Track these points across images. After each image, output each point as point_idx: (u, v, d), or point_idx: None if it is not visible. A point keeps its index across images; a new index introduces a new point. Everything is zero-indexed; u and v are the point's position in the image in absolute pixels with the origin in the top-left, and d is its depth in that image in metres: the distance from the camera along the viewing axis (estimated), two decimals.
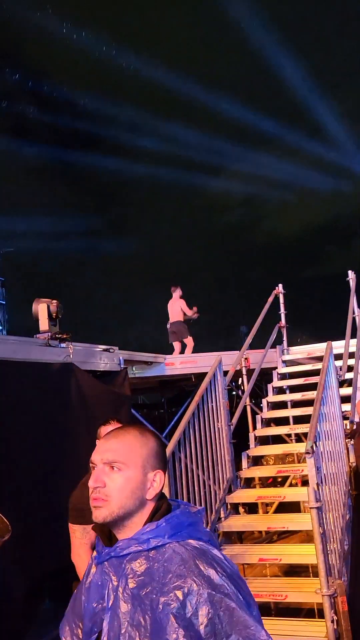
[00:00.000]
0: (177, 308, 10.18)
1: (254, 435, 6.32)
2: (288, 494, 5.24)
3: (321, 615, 3.55)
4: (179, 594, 1.10)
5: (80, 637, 1.33)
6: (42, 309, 6.19)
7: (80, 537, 2.95)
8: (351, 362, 6.69)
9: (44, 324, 6.14)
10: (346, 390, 6.24)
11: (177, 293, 10.27)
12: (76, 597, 1.40)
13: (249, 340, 7.09)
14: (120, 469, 1.25)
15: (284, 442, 8.04)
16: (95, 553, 1.34)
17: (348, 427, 5.52)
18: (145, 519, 1.26)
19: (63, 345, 6.05)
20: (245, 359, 6.93)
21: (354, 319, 7.56)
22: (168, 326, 10.32)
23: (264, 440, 6.63)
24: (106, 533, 1.29)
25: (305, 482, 7.25)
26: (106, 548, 1.27)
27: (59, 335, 6.05)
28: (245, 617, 1.10)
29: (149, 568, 1.18)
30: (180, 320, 10.16)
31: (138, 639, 1.12)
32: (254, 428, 6.47)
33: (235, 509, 5.22)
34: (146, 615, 1.13)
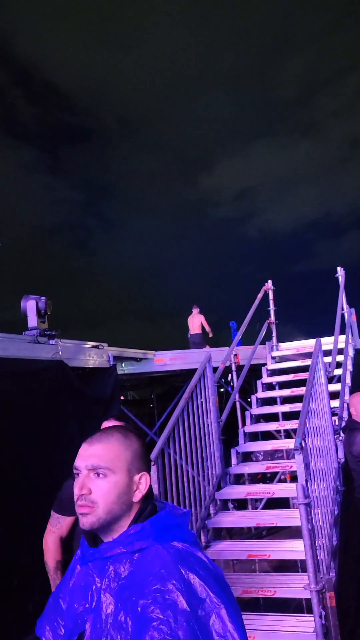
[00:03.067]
0: (197, 322, 12.12)
1: (244, 431, 6.33)
2: (277, 490, 5.26)
3: (309, 610, 3.57)
4: (158, 597, 1.08)
5: (62, 636, 1.32)
6: (30, 306, 6.16)
7: (53, 525, 3.02)
8: (340, 358, 6.72)
9: (32, 320, 6.11)
10: (335, 387, 6.26)
11: (196, 310, 12.31)
12: (57, 596, 1.37)
13: (238, 336, 7.10)
14: (105, 475, 1.23)
15: (274, 438, 8.07)
16: (79, 553, 1.33)
17: (337, 423, 5.54)
18: (131, 521, 1.24)
19: (52, 342, 6.03)
20: (235, 355, 6.94)
21: (342, 315, 7.59)
22: (189, 336, 12.20)
23: (253, 437, 6.64)
24: (91, 534, 1.28)
25: (294, 478, 7.29)
26: (91, 549, 1.26)
27: (48, 332, 6.02)
28: (215, 628, 1.07)
29: (131, 571, 1.17)
30: (200, 332, 12.06)
31: (119, 638, 1.11)
32: (244, 424, 6.48)
33: (224, 505, 5.23)
34: (127, 617, 1.11)
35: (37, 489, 5.00)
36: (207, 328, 12.12)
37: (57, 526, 2.98)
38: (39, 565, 4.94)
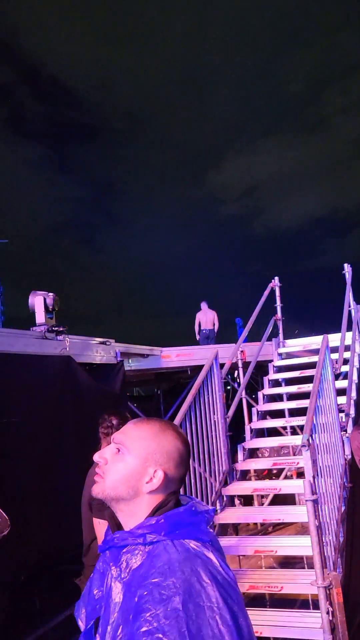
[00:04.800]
0: (210, 317, 12.16)
1: (250, 427, 6.33)
2: (283, 486, 5.26)
3: (316, 606, 3.57)
4: (155, 591, 1.08)
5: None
6: (38, 302, 6.17)
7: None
8: (347, 355, 6.71)
9: (40, 316, 6.12)
10: (342, 383, 6.26)
11: (206, 305, 12.31)
12: (91, 581, 1.40)
13: (245, 333, 7.09)
14: (123, 453, 1.27)
15: (280, 434, 8.08)
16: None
17: (343, 419, 5.54)
18: (148, 512, 1.25)
19: (60, 338, 6.04)
20: (242, 351, 6.94)
21: (349, 312, 7.57)
22: (203, 331, 12.14)
23: (259, 433, 6.65)
24: (115, 521, 1.30)
25: (300, 474, 7.30)
26: (108, 537, 1.28)
27: (56, 328, 6.03)
28: (207, 632, 1.04)
29: (141, 563, 1.17)
30: (212, 328, 12.12)
31: (122, 627, 1.12)
32: (250, 420, 6.48)
33: (231, 501, 5.24)
34: (130, 606, 1.12)
35: (45, 485, 5.02)
36: (217, 323, 12.19)
37: None
38: (45, 562, 4.99)
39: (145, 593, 1.08)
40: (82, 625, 1.39)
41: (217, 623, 1.04)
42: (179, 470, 1.30)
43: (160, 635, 1.01)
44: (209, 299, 12.56)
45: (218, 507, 5.01)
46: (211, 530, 1.25)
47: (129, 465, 1.26)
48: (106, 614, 1.19)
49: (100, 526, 2.99)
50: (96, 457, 1.28)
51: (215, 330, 12.24)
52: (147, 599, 1.07)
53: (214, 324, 12.23)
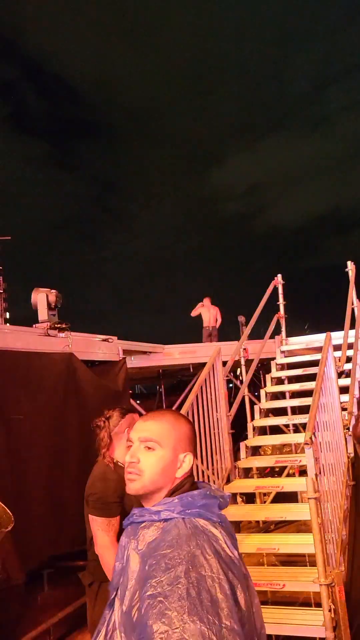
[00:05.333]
0: (213, 314, 12.13)
1: (253, 425, 6.33)
2: (286, 484, 5.26)
3: (318, 604, 3.57)
4: (162, 560, 1.19)
5: None
6: (41, 299, 6.18)
7: (107, 530, 2.94)
8: (350, 353, 6.69)
9: (43, 313, 6.13)
10: (345, 381, 6.25)
11: (208, 301, 12.32)
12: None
13: (247, 330, 7.09)
14: (154, 448, 1.39)
15: (282, 432, 8.07)
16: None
17: (346, 417, 5.53)
18: (167, 493, 1.39)
19: (62, 335, 6.05)
20: (244, 349, 6.93)
21: (353, 309, 7.56)
22: (206, 328, 12.15)
23: (262, 431, 6.64)
24: (139, 504, 1.43)
25: (302, 472, 7.29)
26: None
27: (58, 325, 6.04)
28: (199, 608, 1.09)
29: (155, 537, 1.30)
30: (215, 325, 12.13)
31: (138, 592, 1.24)
32: (252, 418, 6.48)
33: (233, 498, 5.23)
34: (143, 574, 1.23)
35: (49, 481, 5.03)
36: (220, 320, 12.21)
37: (112, 530, 2.95)
38: (50, 557, 5.01)
39: (153, 562, 1.20)
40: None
41: (215, 591, 1.13)
42: (195, 451, 1.46)
43: (162, 599, 1.11)
44: (211, 296, 12.56)
45: None
46: (223, 514, 1.36)
47: (164, 457, 1.39)
48: (124, 581, 1.32)
49: (95, 522, 2.99)
50: (128, 457, 1.40)
51: (217, 327, 12.24)
52: (155, 567, 1.18)
53: (216, 320, 12.24)
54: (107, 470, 3.10)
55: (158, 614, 1.08)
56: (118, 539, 2.95)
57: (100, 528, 2.96)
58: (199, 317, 12.38)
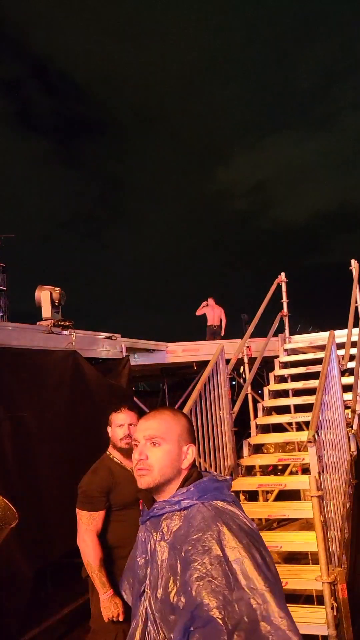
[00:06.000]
0: (217, 313, 12.28)
1: (255, 423, 6.34)
2: (289, 482, 5.27)
3: (320, 602, 3.58)
4: (197, 544, 1.32)
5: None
6: (44, 296, 6.18)
7: (87, 523, 2.97)
8: (353, 351, 6.68)
9: (46, 311, 6.14)
10: (348, 380, 6.24)
11: (213, 301, 12.42)
12: (132, 557, 1.65)
13: (251, 328, 7.08)
14: (160, 444, 1.50)
15: (285, 430, 8.07)
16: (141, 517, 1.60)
17: (349, 416, 5.53)
18: (179, 485, 1.50)
19: (66, 332, 6.06)
20: (247, 347, 6.93)
21: (356, 308, 7.55)
22: (210, 326, 12.27)
23: (265, 429, 6.65)
24: (150, 499, 1.53)
25: (305, 471, 7.29)
26: (148, 510, 1.53)
27: (62, 323, 6.05)
28: (242, 571, 1.27)
29: (180, 524, 1.42)
30: (220, 324, 12.26)
31: (172, 579, 1.37)
32: (255, 416, 6.49)
33: (236, 496, 5.24)
34: (177, 560, 1.37)
35: (53, 478, 5.04)
36: (225, 322, 12.32)
37: (92, 523, 2.98)
38: (52, 555, 5.02)
39: (190, 548, 1.33)
40: (126, 596, 1.69)
41: (250, 562, 1.28)
42: (195, 442, 1.58)
43: (210, 578, 1.26)
44: (215, 295, 12.60)
45: None
46: (232, 493, 1.50)
47: (170, 450, 1.50)
48: (154, 572, 1.44)
49: (78, 515, 3.02)
50: (137, 456, 1.51)
51: (223, 327, 12.32)
52: (193, 552, 1.32)
53: (220, 320, 12.32)
54: (99, 465, 3.14)
55: (211, 591, 1.24)
56: (99, 535, 2.99)
57: (81, 521, 3.00)
58: (203, 315, 12.44)
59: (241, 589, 1.24)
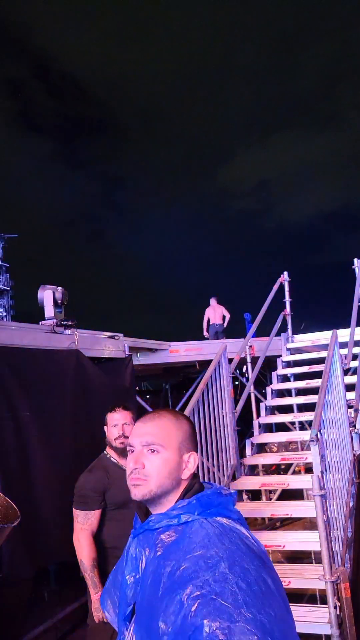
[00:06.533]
0: (219, 312, 12.39)
1: (258, 422, 6.33)
2: (292, 481, 5.26)
3: (323, 601, 3.58)
4: (200, 561, 1.14)
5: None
6: (47, 296, 6.19)
7: (82, 523, 2.99)
8: (356, 350, 6.68)
9: (49, 310, 6.14)
10: (351, 379, 6.24)
11: (215, 300, 12.53)
12: (116, 571, 1.50)
13: (253, 327, 7.08)
14: (158, 451, 1.34)
15: (288, 430, 8.07)
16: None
17: (352, 415, 5.52)
18: (179, 496, 1.33)
19: (68, 332, 6.06)
20: (250, 346, 6.92)
21: (359, 306, 7.54)
22: (213, 325, 12.39)
23: (268, 428, 6.65)
24: (143, 510, 1.37)
25: (308, 470, 7.29)
26: (142, 522, 1.36)
27: (65, 322, 6.05)
28: (255, 601, 1.07)
29: (176, 538, 1.24)
30: (222, 322, 12.37)
31: (159, 600, 1.16)
32: (258, 416, 6.48)
33: (239, 495, 5.24)
34: (164, 574, 1.18)
35: (56, 478, 5.05)
36: (228, 317, 12.39)
37: (87, 523, 2.99)
38: (54, 555, 5.02)
39: (189, 565, 1.14)
40: (108, 615, 1.51)
41: (263, 582, 1.11)
42: (197, 449, 1.41)
43: (214, 596, 1.06)
44: (217, 295, 12.68)
45: None
46: (238, 510, 1.32)
47: (169, 459, 1.34)
48: (142, 592, 1.25)
49: (74, 514, 3.03)
50: (132, 464, 1.35)
51: (225, 324, 12.40)
52: (194, 569, 1.13)
53: (223, 318, 12.40)
54: (97, 464, 3.16)
55: (214, 611, 1.04)
56: (94, 535, 3.00)
57: (77, 520, 3.01)
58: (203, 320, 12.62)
59: (255, 613, 1.05)
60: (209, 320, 12.48)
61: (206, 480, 4.56)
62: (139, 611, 1.24)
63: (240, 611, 1.03)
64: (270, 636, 1.02)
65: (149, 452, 1.34)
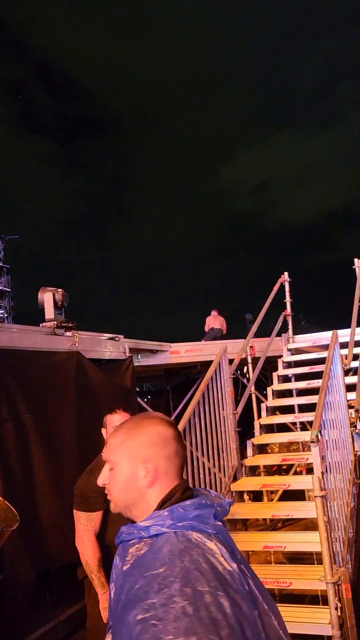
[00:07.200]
0: (219, 322, 12.52)
1: (259, 423, 6.33)
2: (293, 482, 5.26)
3: (325, 602, 3.58)
4: (154, 581, 1.09)
5: None
6: (47, 298, 6.19)
7: (85, 524, 2.98)
8: (357, 350, 6.67)
9: (49, 312, 6.14)
10: (351, 379, 6.23)
11: (216, 312, 12.70)
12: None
13: (254, 328, 7.08)
14: (112, 467, 1.31)
15: (289, 430, 8.06)
16: None
17: (353, 415, 5.52)
18: (154, 506, 1.27)
19: (69, 334, 6.06)
20: (251, 347, 6.92)
21: (359, 307, 7.53)
22: (212, 329, 12.44)
23: (269, 429, 6.64)
24: (128, 521, 1.33)
25: (309, 470, 7.28)
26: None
27: (65, 324, 6.05)
28: (198, 628, 1.00)
29: (145, 552, 1.19)
30: (221, 328, 12.38)
31: (116, 610, 1.14)
32: (259, 416, 6.48)
33: (240, 496, 5.24)
34: (125, 592, 1.14)
35: (59, 480, 5.05)
36: (225, 329, 12.55)
37: (90, 524, 2.98)
38: (55, 558, 5.02)
39: (144, 584, 1.08)
40: None
41: (215, 608, 1.02)
42: (168, 453, 1.30)
43: (155, 621, 1.00)
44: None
45: None
46: (220, 523, 1.23)
47: (122, 472, 1.29)
48: (113, 606, 1.20)
49: (75, 517, 3.03)
50: (100, 482, 1.32)
51: (224, 332, 12.47)
52: (146, 589, 1.07)
53: (222, 325, 12.53)
54: (96, 465, 3.15)
55: (151, 638, 0.98)
56: (97, 535, 3.00)
57: (79, 522, 3.00)
58: (204, 322, 12.72)
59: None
60: (204, 321, 12.63)
61: (206, 481, 4.55)
62: (112, 624, 1.20)
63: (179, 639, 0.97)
64: None
65: (110, 468, 1.33)
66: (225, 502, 1.30)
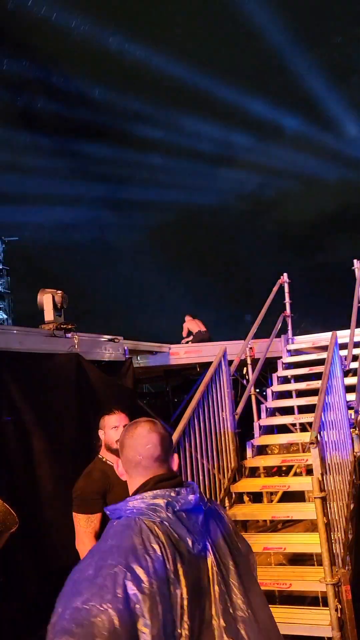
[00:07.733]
0: (198, 324, 11.79)
1: (259, 424, 6.33)
2: (292, 483, 5.26)
3: (325, 603, 3.57)
4: (91, 551, 1.37)
5: None
6: (47, 300, 6.19)
7: (85, 526, 2.97)
8: (356, 351, 6.68)
9: (49, 314, 6.14)
10: (351, 380, 6.23)
11: (189, 317, 11.94)
12: None
13: (253, 329, 7.07)
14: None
15: (289, 431, 8.06)
16: None
17: (352, 416, 5.52)
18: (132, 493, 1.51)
19: (68, 335, 6.06)
20: (250, 348, 6.92)
21: (359, 308, 7.53)
22: (199, 332, 11.73)
23: (268, 430, 6.64)
24: None
25: (309, 472, 7.27)
26: None
27: (64, 326, 6.05)
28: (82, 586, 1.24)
29: (105, 530, 1.43)
30: (205, 330, 11.75)
31: None
32: (259, 417, 6.48)
33: (239, 498, 5.24)
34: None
35: (59, 482, 5.04)
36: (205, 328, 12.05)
37: (90, 526, 2.97)
38: (56, 560, 5.01)
39: (88, 554, 1.35)
40: None
41: (111, 578, 1.22)
42: (133, 447, 1.52)
43: (71, 581, 1.29)
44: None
45: (227, 503, 5.01)
46: (170, 514, 1.38)
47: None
48: None
49: (75, 519, 3.02)
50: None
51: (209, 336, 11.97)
52: (86, 556, 1.35)
53: (204, 326, 11.98)
54: (93, 467, 3.15)
55: (64, 592, 1.27)
56: (98, 536, 2.99)
57: (79, 525, 2.99)
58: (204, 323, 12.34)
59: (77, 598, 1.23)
60: (190, 332, 11.86)
61: (205, 482, 4.55)
62: None
63: (70, 598, 1.23)
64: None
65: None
66: (190, 497, 1.44)
